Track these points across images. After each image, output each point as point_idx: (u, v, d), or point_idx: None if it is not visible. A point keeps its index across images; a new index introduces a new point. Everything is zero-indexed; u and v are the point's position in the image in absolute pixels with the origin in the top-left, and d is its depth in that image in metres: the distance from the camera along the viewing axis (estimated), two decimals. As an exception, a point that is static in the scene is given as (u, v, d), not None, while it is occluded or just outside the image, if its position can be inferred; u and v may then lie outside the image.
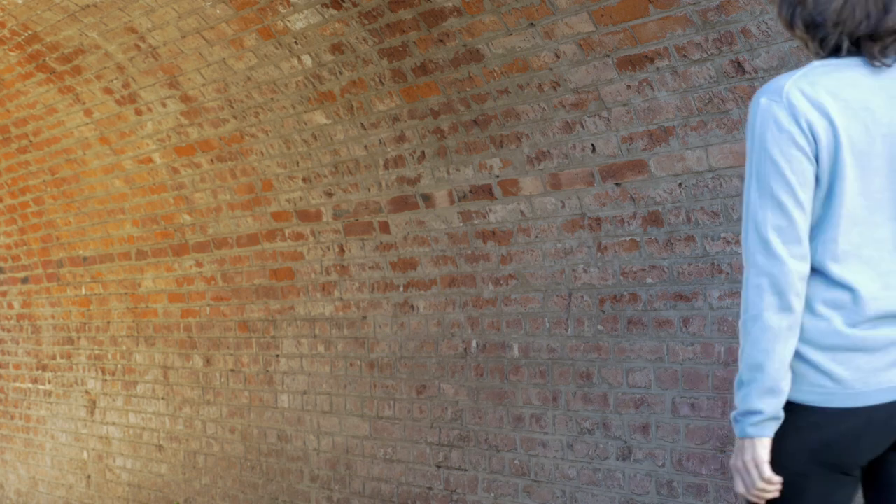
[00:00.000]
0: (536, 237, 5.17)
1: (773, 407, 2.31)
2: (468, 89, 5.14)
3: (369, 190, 5.96)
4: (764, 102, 2.34)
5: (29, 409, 9.56)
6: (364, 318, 6.24)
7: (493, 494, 5.46)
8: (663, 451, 4.68)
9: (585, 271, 4.97)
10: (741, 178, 4.28)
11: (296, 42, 5.68)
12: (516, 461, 5.34)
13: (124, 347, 8.26)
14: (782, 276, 2.28)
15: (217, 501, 7.37)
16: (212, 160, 6.85)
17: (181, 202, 7.29)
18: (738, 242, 4.34)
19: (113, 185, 7.81)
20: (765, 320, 2.29)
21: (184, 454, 7.70)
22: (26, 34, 6.94)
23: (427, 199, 5.66)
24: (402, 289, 5.97)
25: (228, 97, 6.36)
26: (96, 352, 8.59)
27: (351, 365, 6.35)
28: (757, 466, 2.32)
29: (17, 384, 9.76)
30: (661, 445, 4.69)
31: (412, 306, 5.93)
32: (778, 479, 2.32)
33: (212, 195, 7.02)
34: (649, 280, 4.71)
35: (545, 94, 4.83)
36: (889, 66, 2.39)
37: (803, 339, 2.32)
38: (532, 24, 4.65)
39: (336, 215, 6.23)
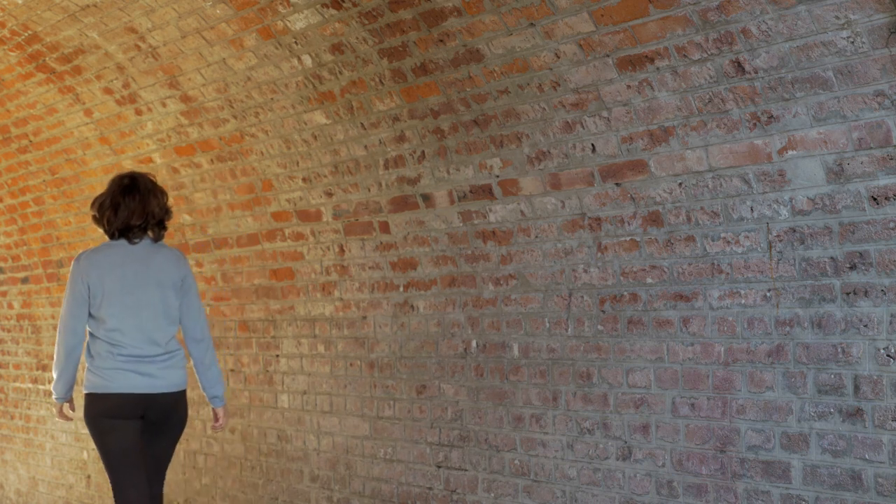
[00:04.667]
0: (536, 237, 5.17)
1: (60, 395, 5.24)
2: (468, 89, 5.14)
3: (369, 190, 5.96)
4: (74, 262, 5.16)
5: (29, 409, 9.56)
6: (364, 318, 6.25)
7: (493, 494, 5.46)
8: (663, 451, 4.68)
9: (585, 271, 4.97)
10: (741, 178, 4.28)
11: (296, 42, 5.68)
12: (516, 461, 5.34)
13: (124, 347, 8.25)
14: (67, 346, 5.15)
15: (217, 501, 7.37)
16: (212, 160, 6.85)
17: (181, 202, 7.29)
18: (738, 242, 4.34)
19: (113, 185, 7.81)
20: (56, 364, 5.19)
21: (184, 454, 7.70)
22: (26, 34, 6.94)
23: (427, 199, 5.66)
24: (402, 289, 5.97)
25: (228, 97, 6.36)
26: (96, 352, 8.59)
27: (351, 365, 6.35)
28: (60, 414, 5.33)
29: (17, 384, 9.76)
30: (661, 445, 4.69)
31: (412, 306, 5.93)
32: (71, 417, 5.35)
33: (212, 195, 7.03)
34: (649, 280, 4.71)
35: (545, 94, 4.83)
36: (138, 243, 5.20)
37: (94, 365, 5.11)
38: (532, 24, 4.65)
39: (336, 215, 6.24)
